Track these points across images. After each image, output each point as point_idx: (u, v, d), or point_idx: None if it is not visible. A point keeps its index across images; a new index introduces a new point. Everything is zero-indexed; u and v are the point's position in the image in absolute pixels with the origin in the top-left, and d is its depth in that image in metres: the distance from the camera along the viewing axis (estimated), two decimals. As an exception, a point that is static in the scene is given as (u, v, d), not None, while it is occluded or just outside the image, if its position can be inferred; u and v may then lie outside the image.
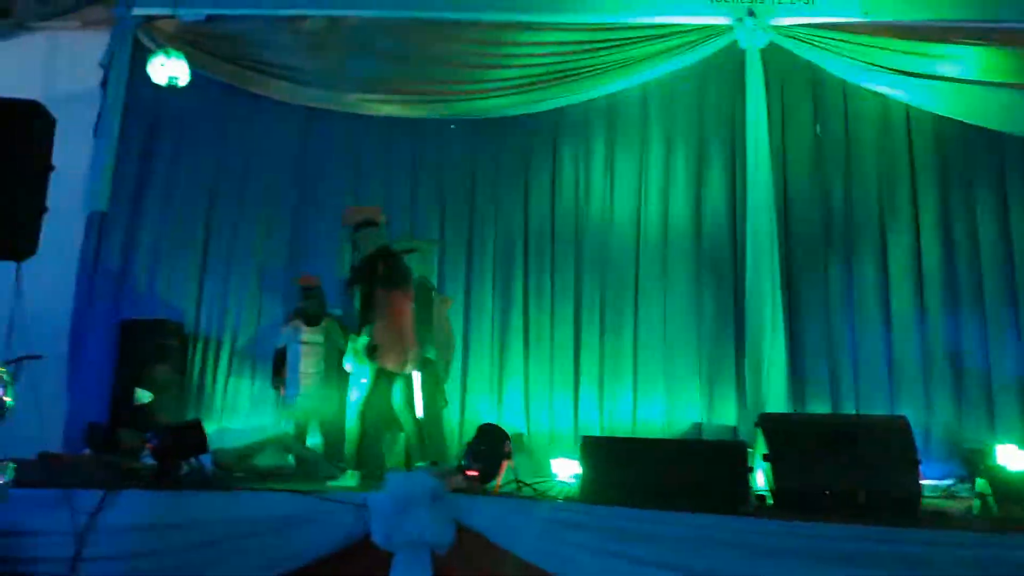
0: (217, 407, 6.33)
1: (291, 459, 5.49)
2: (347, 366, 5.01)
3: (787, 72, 6.58)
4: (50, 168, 4.55)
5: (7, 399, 3.34)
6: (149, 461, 4.55)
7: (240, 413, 6.33)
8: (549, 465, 5.68)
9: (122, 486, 3.72)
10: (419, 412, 5.11)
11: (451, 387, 6.06)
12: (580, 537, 3.40)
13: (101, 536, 3.52)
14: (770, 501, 3.75)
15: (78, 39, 7.11)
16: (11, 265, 4.60)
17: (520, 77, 6.55)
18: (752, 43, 6.42)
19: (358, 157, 6.73)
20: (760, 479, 3.95)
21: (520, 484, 3.91)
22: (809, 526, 3.30)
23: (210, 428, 5.06)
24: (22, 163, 4.29)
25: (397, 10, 6.61)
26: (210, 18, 6.78)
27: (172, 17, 6.69)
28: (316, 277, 5.97)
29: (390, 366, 4.78)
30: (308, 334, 5.79)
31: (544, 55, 6.56)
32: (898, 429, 3.80)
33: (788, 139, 6.54)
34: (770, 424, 3.97)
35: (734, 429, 6.06)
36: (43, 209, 4.48)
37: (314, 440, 5.76)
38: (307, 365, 5.74)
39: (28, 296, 4.83)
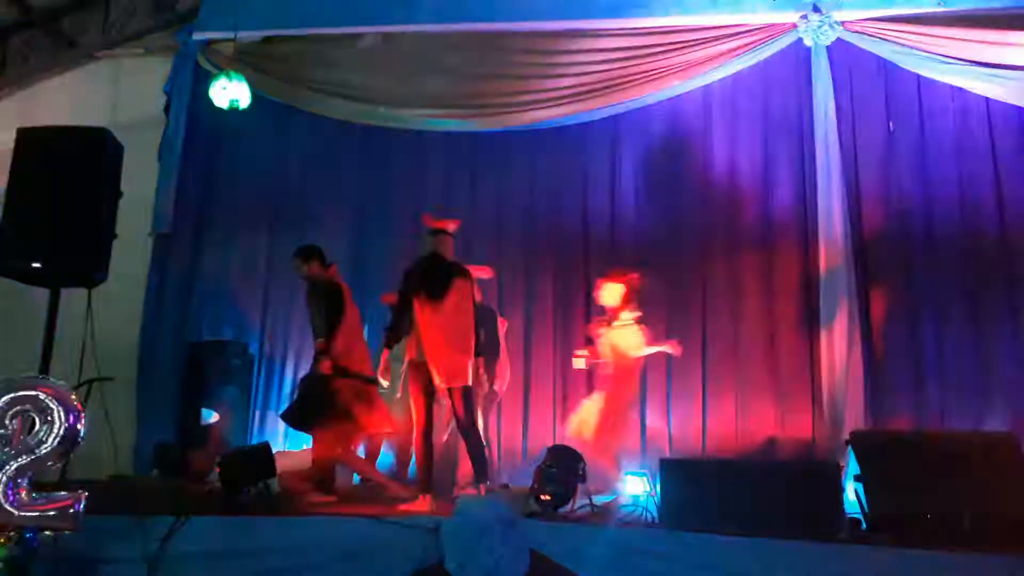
0: (281, 428, 6.33)
1: (356, 479, 5.46)
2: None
3: (855, 68, 6.30)
4: (119, 195, 4.62)
5: (79, 427, 3.32)
6: (216, 482, 4.54)
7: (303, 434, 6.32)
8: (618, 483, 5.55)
9: (192, 512, 3.69)
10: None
11: (511, 407, 5.96)
12: (661, 566, 3.23)
13: (172, 563, 3.48)
14: (864, 526, 3.52)
15: (142, 66, 7.28)
16: (83, 290, 4.68)
17: (577, 85, 6.43)
18: (817, 40, 6.19)
19: (417, 173, 6.70)
20: (851, 500, 3.73)
21: (595, 508, 3.76)
22: (912, 554, 3.07)
23: (274, 447, 5.04)
24: (93, 191, 4.35)
25: (451, 23, 6.57)
26: (267, 39, 6.86)
27: (231, 40, 6.77)
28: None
29: (439, 380, 4.54)
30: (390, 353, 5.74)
31: (601, 62, 6.44)
32: (1007, 446, 3.52)
33: (859, 139, 6.25)
34: (862, 441, 3.74)
35: (810, 444, 5.81)
36: (113, 236, 4.54)
37: (386, 459, 5.70)
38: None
39: (98, 320, 4.90)
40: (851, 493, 3.79)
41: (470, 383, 4.59)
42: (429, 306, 4.56)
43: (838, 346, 5.77)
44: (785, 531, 3.22)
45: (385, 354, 4.65)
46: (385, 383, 4.69)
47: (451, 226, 4.86)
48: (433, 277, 4.64)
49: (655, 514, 3.73)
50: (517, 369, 6.05)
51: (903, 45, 6.02)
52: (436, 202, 6.59)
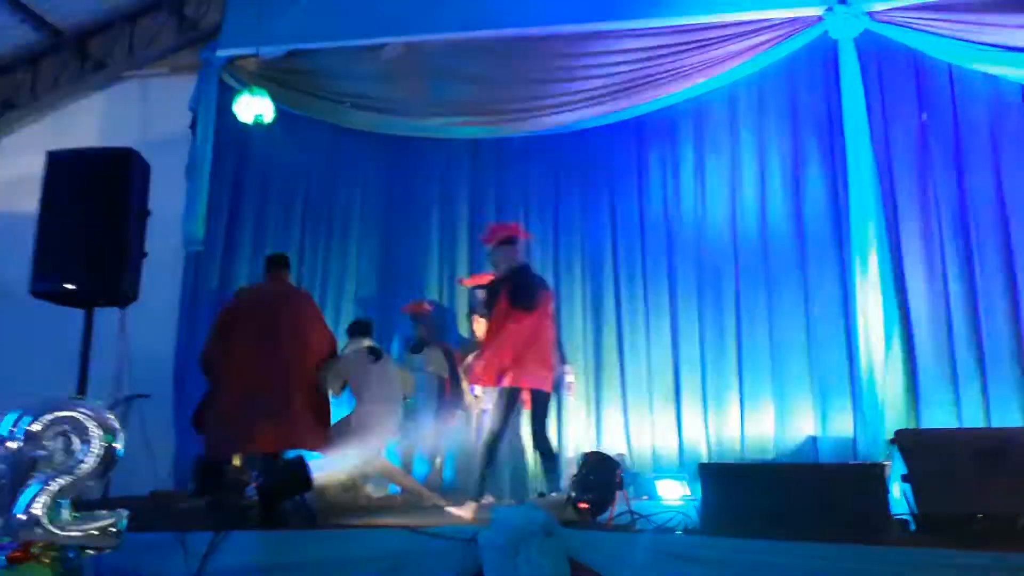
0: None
1: (393, 489, 5.46)
2: (473, 390, 4.92)
3: (884, 60, 6.17)
4: (147, 213, 4.67)
5: (117, 446, 3.34)
6: (253, 496, 4.55)
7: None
8: (655, 488, 5.48)
9: (232, 527, 3.70)
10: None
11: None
12: (705, 572, 3.17)
13: (214, 579, 3.50)
14: (913, 527, 3.43)
15: (167, 85, 7.39)
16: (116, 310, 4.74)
17: (601, 87, 6.37)
18: (844, 33, 6.06)
19: (442, 181, 6.70)
20: (898, 500, 3.63)
21: (635, 515, 3.70)
22: (964, 555, 2.97)
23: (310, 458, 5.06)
24: (121, 211, 4.41)
25: (472, 30, 6.57)
26: (289, 54, 6.90)
27: (254, 56, 6.83)
28: (421, 303, 5.94)
29: (523, 386, 4.62)
30: (412, 361, 5.75)
31: (624, 62, 6.36)
32: (1059, 443, 3.41)
33: (891, 131, 6.10)
34: (908, 440, 3.64)
35: (852, 442, 5.69)
36: (143, 254, 4.59)
37: (421, 469, 5.70)
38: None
39: (133, 338, 4.96)
40: (897, 493, 3.70)
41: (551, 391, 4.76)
42: (524, 315, 4.59)
43: (876, 344, 5.64)
44: (831, 534, 3.14)
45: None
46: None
47: (519, 233, 5.00)
48: (530, 287, 4.71)
49: (696, 519, 3.66)
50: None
51: (933, 33, 5.87)
52: (461, 209, 6.63)
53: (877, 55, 6.14)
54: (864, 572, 3.06)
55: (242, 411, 4.44)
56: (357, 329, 5.52)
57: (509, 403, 4.60)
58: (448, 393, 5.75)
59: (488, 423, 4.74)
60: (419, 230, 6.52)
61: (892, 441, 3.73)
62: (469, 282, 5.73)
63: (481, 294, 5.55)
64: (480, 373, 4.71)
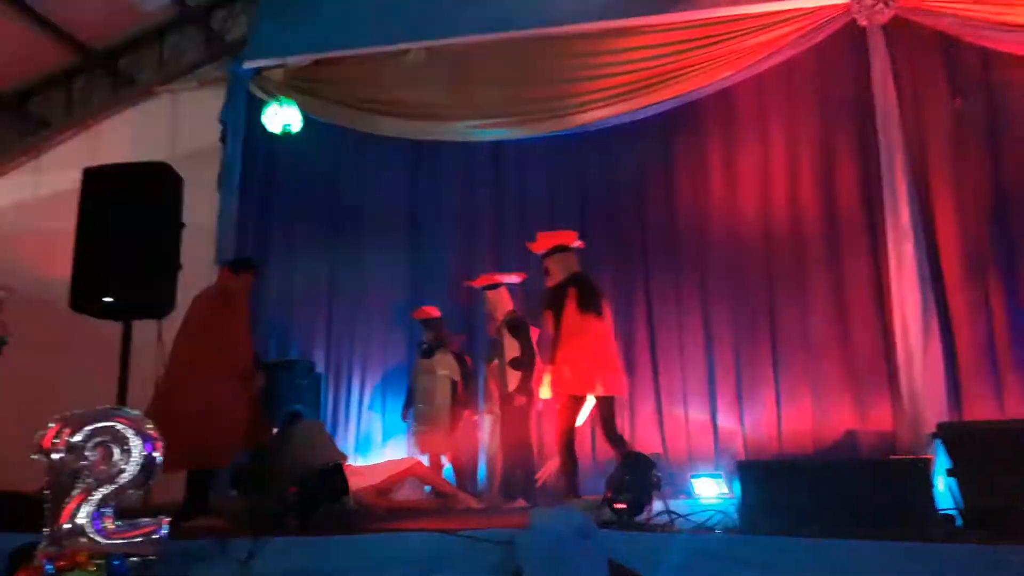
0: (349, 444, 6.40)
1: (428, 490, 5.48)
2: (544, 392, 4.94)
3: (915, 45, 6.04)
4: (181, 226, 4.73)
5: (156, 455, 3.39)
6: (292, 502, 4.59)
7: (373, 448, 6.39)
8: (692, 487, 5.43)
9: (271, 532, 3.73)
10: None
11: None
12: (747, 572, 3.12)
13: (254, 584, 3.52)
14: (960, 522, 3.35)
15: (197, 98, 7.51)
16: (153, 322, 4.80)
17: (626, 83, 6.34)
18: (873, 20, 5.97)
19: (469, 183, 6.72)
20: (943, 495, 3.55)
21: (672, 515, 3.66)
22: (1014, 551, 2.88)
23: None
24: (156, 224, 4.47)
25: (494, 32, 6.56)
26: (316, 63, 6.96)
27: (280, 67, 6.90)
28: (432, 308, 5.95)
29: (599, 390, 4.69)
30: (424, 365, 5.79)
31: (649, 58, 6.32)
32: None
33: (923, 118, 5.98)
34: (952, 434, 3.56)
35: (892, 436, 5.58)
36: (178, 266, 4.65)
37: (448, 472, 5.73)
38: (421, 397, 5.73)
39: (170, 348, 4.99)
40: (942, 488, 3.62)
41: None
42: (597, 321, 4.71)
43: (914, 335, 5.53)
44: (875, 531, 3.07)
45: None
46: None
47: (572, 240, 5.09)
48: (597, 293, 4.86)
49: (734, 518, 3.61)
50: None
51: (964, 16, 5.75)
52: (487, 213, 6.61)
53: (907, 41, 6.01)
54: (913, 571, 2.99)
55: None
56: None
57: (578, 405, 4.73)
58: (460, 396, 5.77)
59: (559, 425, 4.83)
60: (444, 233, 6.53)
61: (935, 434, 3.65)
62: (477, 283, 5.73)
63: (493, 295, 5.56)
64: (572, 382, 4.70)
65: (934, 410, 5.35)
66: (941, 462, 3.54)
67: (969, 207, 5.78)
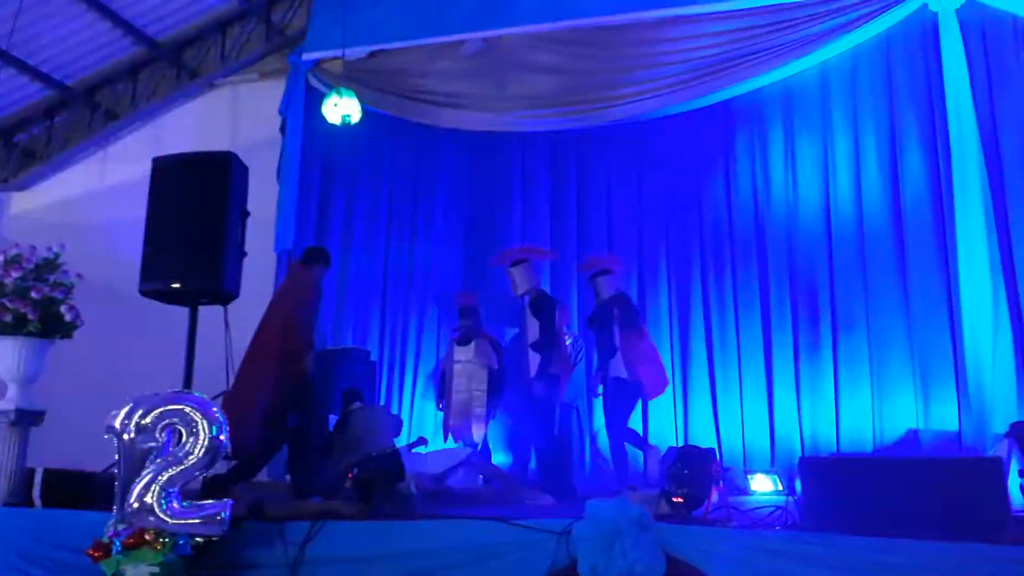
0: (404, 432, 6.46)
1: (482, 479, 5.50)
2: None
3: (989, 31, 5.79)
4: (247, 214, 4.84)
5: (222, 438, 3.48)
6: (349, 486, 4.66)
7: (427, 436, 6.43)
8: (747, 482, 5.35)
9: (328, 517, 3.79)
10: None
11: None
12: (807, 571, 3.06)
13: (312, 568, 3.58)
14: (1033, 525, 3.22)
15: (257, 90, 7.66)
16: (219, 308, 4.93)
17: (684, 72, 6.21)
18: (945, 4, 5.74)
19: (525, 175, 6.72)
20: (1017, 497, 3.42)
21: (731, 510, 3.61)
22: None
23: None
24: (223, 212, 4.58)
25: (552, 21, 6.51)
26: (373, 55, 7.01)
27: (339, 58, 6.97)
28: (472, 296, 5.97)
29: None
30: (459, 353, 5.78)
31: (708, 46, 6.18)
32: None
33: (997, 108, 5.73)
34: (1026, 434, 3.43)
35: (957, 435, 5.41)
36: (244, 253, 4.76)
37: (500, 459, 5.74)
38: (458, 385, 5.72)
39: (235, 333, 5.13)
40: (1015, 489, 3.49)
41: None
42: (636, 334, 5.53)
43: (984, 333, 5.33)
44: (943, 532, 2.98)
45: None
46: None
47: (615, 265, 5.82)
48: (636, 313, 5.74)
49: (792, 515, 3.54)
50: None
51: (1045, -1, 5.51)
52: (543, 205, 6.60)
53: (982, 27, 5.78)
54: (986, 574, 2.89)
55: None
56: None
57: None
58: (497, 384, 5.74)
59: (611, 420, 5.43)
60: (501, 225, 6.54)
61: (1007, 434, 3.52)
62: (503, 261, 5.74)
63: (516, 273, 5.58)
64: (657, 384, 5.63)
65: (1002, 409, 5.16)
66: (1016, 462, 3.41)
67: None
